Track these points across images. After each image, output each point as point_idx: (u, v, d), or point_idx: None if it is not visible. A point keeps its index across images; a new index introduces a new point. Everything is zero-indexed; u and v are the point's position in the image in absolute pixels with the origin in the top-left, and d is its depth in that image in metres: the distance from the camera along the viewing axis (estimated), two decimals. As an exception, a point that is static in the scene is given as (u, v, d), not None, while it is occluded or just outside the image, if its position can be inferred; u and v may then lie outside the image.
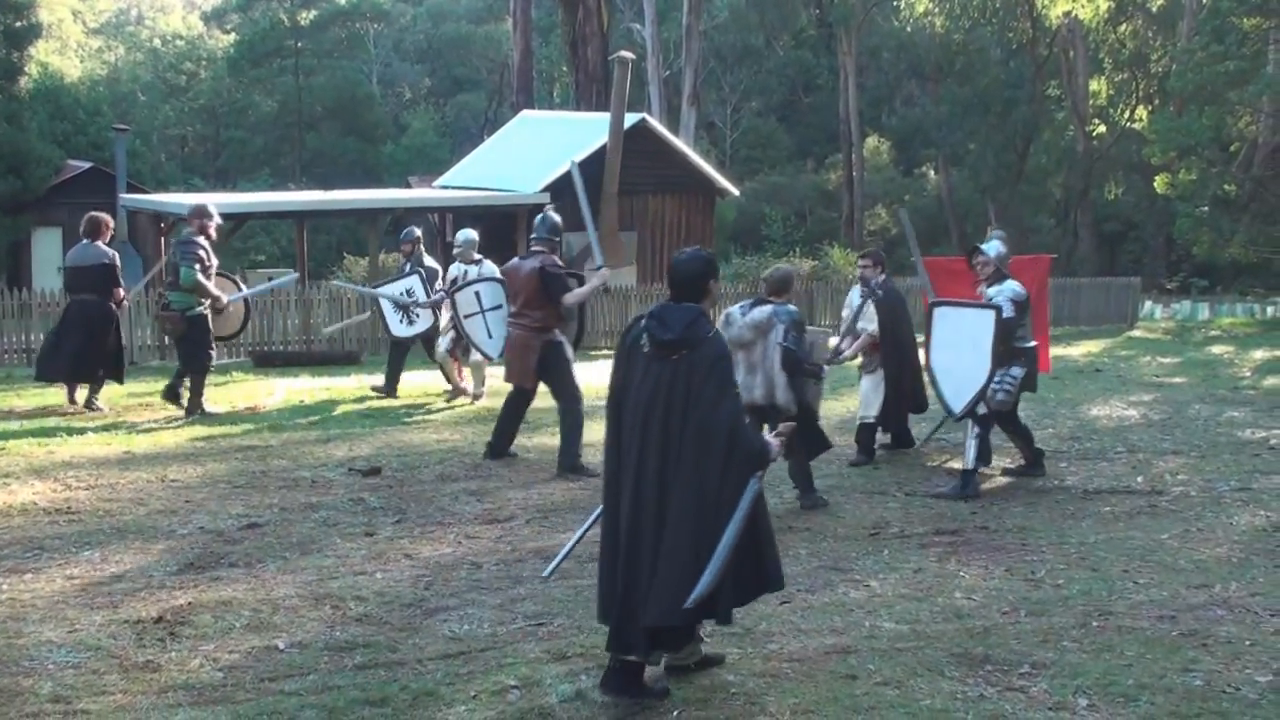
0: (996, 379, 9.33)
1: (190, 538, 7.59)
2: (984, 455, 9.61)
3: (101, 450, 10.31)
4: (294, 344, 18.93)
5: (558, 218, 10.48)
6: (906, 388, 10.68)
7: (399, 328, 14.08)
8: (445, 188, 27.59)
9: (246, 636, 5.77)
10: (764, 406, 8.36)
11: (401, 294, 13.88)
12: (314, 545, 7.44)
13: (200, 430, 11.29)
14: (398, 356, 14.14)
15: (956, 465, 10.45)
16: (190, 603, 6.21)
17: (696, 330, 5.15)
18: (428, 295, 13.73)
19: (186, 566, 6.94)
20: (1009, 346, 9.36)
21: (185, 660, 5.45)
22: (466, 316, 12.45)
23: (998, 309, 9.27)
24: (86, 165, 33.16)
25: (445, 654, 5.58)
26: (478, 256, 13.07)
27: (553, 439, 11.32)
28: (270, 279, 21.30)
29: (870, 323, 10.48)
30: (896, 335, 10.59)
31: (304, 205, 25.07)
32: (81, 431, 11.07)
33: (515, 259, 10.58)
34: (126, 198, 26.72)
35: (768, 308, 8.50)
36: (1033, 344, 9.93)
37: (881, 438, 11.02)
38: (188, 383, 12.20)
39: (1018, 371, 9.51)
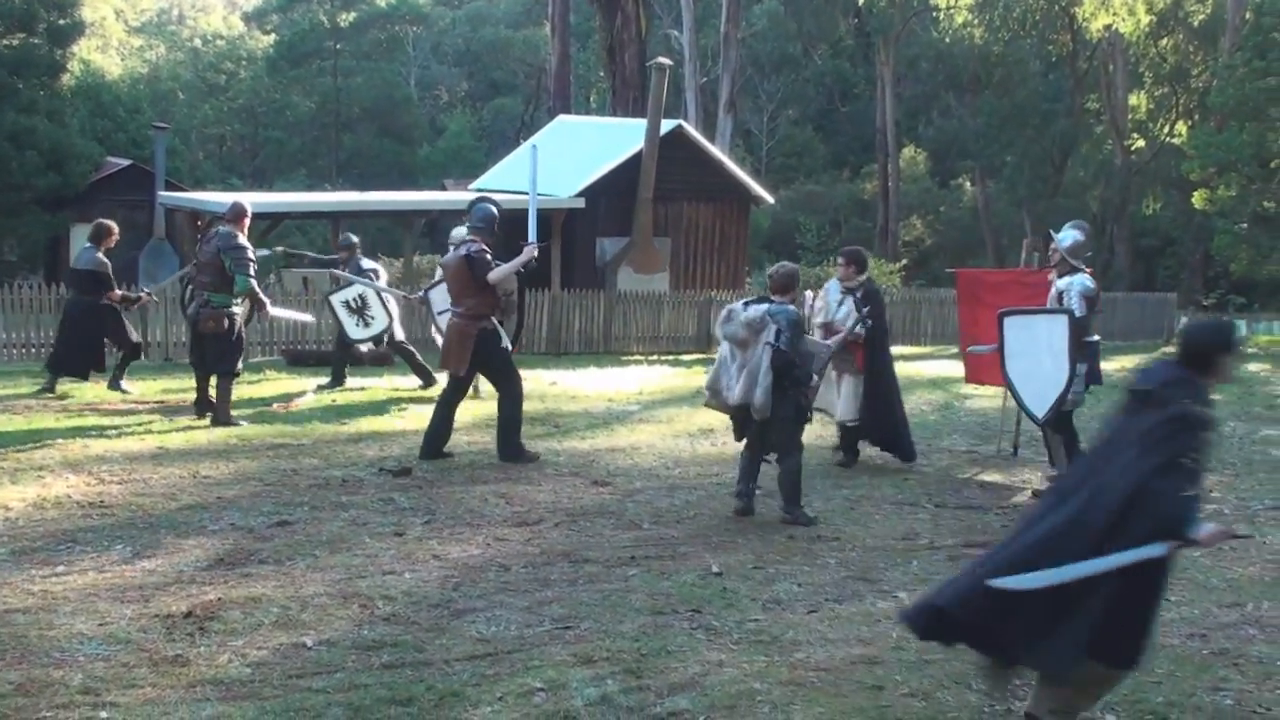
0: None
1: (221, 534, 7.63)
2: (1073, 449, 9.77)
3: (135, 445, 10.37)
4: (326, 343, 18.98)
5: (493, 208, 10.53)
6: (887, 391, 10.62)
7: (356, 331, 14.46)
8: (481, 190, 27.65)
9: (275, 633, 5.80)
10: (742, 406, 8.38)
11: (352, 300, 14.28)
12: (343, 544, 7.47)
13: (232, 428, 11.33)
14: (344, 357, 14.71)
15: (988, 478, 10.44)
16: (220, 598, 6.24)
17: (1168, 392, 4.82)
18: (379, 295, 14.24)
19: (217, 562, 6.98)
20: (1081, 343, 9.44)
21: (214, 655, 5.48)
22: (440, 312, 12.97)
23: (1070, 313, 9.42)
24: (126, 163, 33.37)
25: (472, 655, 5.59)
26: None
27: (582, 443, 11.35)
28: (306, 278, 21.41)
29: (853, 319, 10.33)
30: (874, 338, 10.48)
31: (340, 206, 25.17)
32: (116, 427, 11.16)
33: (451, 252, 10.67)
34: (165, 195, 26.92)
35: (763, 306, 8.43)
36: (1095, 338, 10.02)
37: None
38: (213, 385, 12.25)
39: (1081, 368, 9.54)
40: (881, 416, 10.56)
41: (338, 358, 14.82)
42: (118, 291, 13.55)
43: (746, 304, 8.60)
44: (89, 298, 13.23)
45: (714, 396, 8.76)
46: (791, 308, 8.54)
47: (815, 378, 8.88)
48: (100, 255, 13.21)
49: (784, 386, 8.32)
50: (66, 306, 13.75)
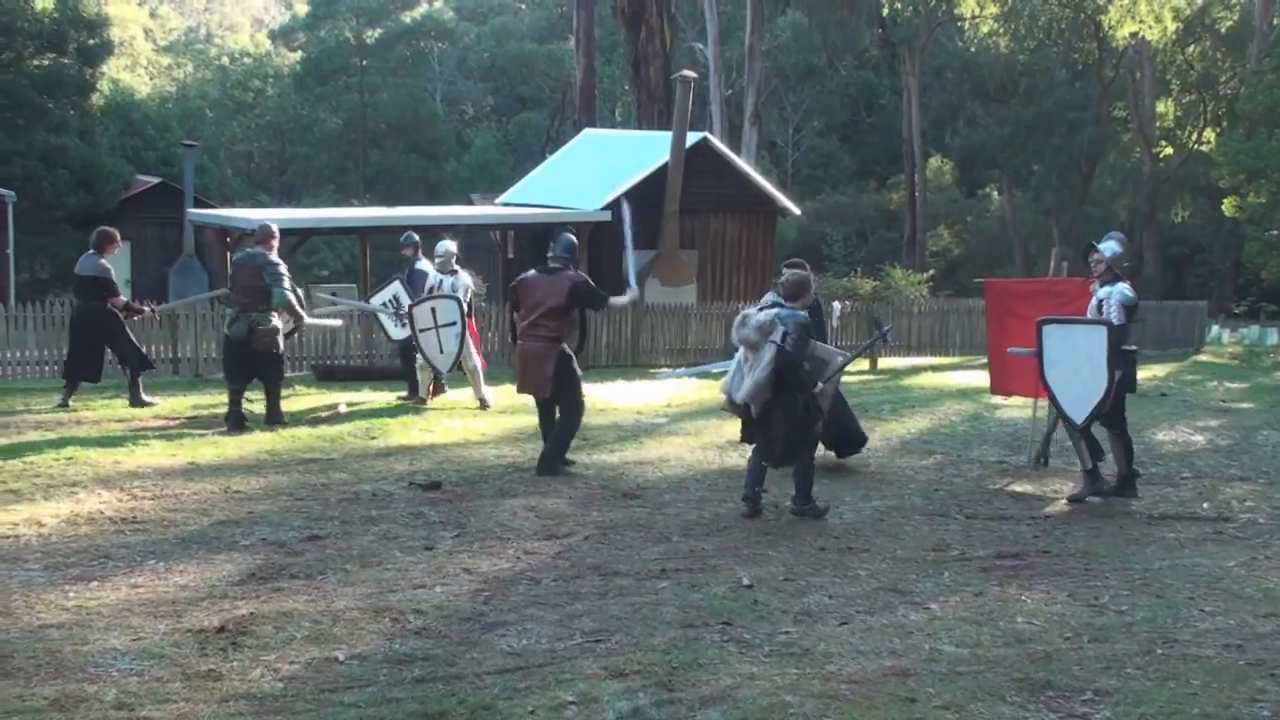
0: None
1: (252, 549, 7.66)
2: (1096, 450, 9.90)
3: (167, 461, 10.43)
4: (356, 358, 19.07)
5: (573, 238, 10.93)
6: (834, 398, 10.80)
7: (396, 331, 14.81)
8: (507, 205, 27.73)
9: (307, 647, 5.81)
10: (746, 405, 8.86)
11: (388, 302, 14.67)
12: (374, 558, 7.48)
13: (263, 443, 11.41)
14: (409, 361, 14.71)
15: (1019, 489, 10.38)
16: (252, 613, 6.26)
17: None
18: (411, 299, 14.40)
19: (248, 577, 7.00)
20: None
21: (246, 670, 5.49)
22: (422, 330, 13.50)
23: (1109, 323, 9.65)
24: (155, 180, 33.66)
25: (503, 669, 5.59)
26: (455, 268, 14.01)
27: (611, 455, 11.35)
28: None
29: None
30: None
31: (367, 221, 25.24)
32: (147, 443, 11.22)
33: (532, 272, 10.88)
34: (194, 212, 27.10)
35: (773, 311, 8.87)
36: (1133, 348, 10.12)
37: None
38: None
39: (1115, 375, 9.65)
40: (834, 420, 10.71)
41: (406, 368, 14.87)
42: (122, 298, 13.87)
43: (760, 309, 8.98)
44: (94, 304, 13.50)
45: (729, 401, 9.19)
46: (802, 313, 8.93)
47: (820, 384, 9.06)
48: (103, 262, 13.50)
49: (788, 386, 8.70)
50: (74, 314, 14.03)
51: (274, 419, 12.50)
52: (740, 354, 8.97)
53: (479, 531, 8.26)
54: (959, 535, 8.60)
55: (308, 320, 13.10)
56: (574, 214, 24.22)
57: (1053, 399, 9.94)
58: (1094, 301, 10.07)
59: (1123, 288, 9.91)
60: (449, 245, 14.36)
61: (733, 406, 9.08)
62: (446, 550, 7.74)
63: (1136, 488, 10.06)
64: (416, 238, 15.02)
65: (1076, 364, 9.64)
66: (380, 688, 5.32)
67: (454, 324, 13.37)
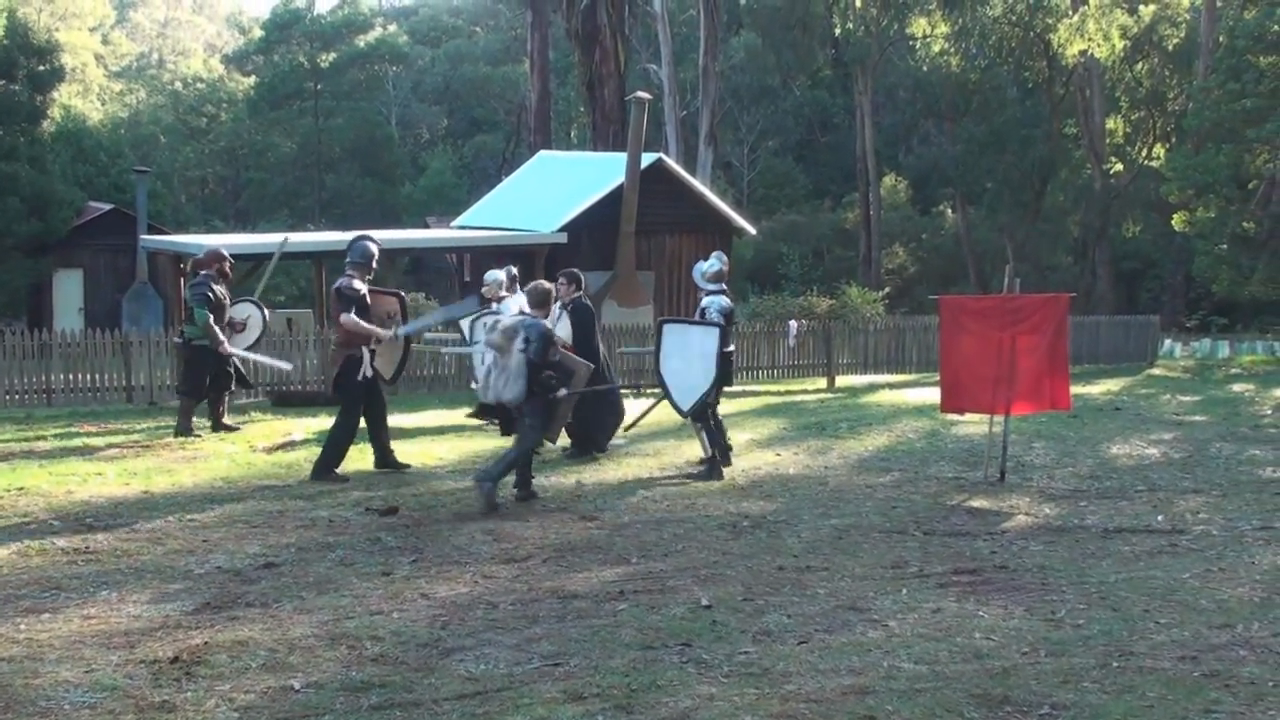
0: None
1: (207, 577, 7.59)
2: (716, 440, 11.49)
3: (120, 490, 10.33)
4: (313, 384, 18.94)
5: (371, 246, 11.25)
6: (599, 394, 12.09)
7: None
8: (463, 228, 27.69)
9: (262, 676, 5.76)
10: (504, 405, 10.19)
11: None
12: (330, 585, 7.43)
13: (219, 470, 11.32)
14: None
15: (976, 504, 10.43)
16: (207, 643, 6.20)
17: None
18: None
19: (203, 606, 6.93)
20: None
21: (201, 700, 5.44)
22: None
23: (721, 327, 11.21)
24: (108, 207, 33.39)
25: (461, 694, 5.56)
26: (503, 294, 14.01)
27: (568, 477, 11.33)
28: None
29: (563, 330, 11.63)
30: (586, 346, 11.82)
31: (323, 246, 25.09)
32: (100, 472, 11.12)
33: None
34: (147, 239, 26.90)
35: (518, 318, 10.01)
36: (730, 348, 11.94)
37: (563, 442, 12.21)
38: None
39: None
40: (583, 417, 11.95)
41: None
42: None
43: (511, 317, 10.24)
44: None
45: (481, 394, 10.78)
46: (543, 323, 9.99)
47: (563, 390, 10.07)
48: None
49: (532, 390, 9.77)
50: None
51: (217, 425, 13.70)
52: (490, 358, 10.01)
53: (436, 556, 8.22)
54: (917, 552, 8.62)
55: (228, 349, 13.61)
56: (530, 236, 24.22)
57: (664, 388, 11.35)
58: (697, 310, 11.57)
59: (720, 299, 11.53)
60: (498, 274, 14.14)
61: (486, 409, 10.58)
62: (404, 576, 7.70)
63: (722, 469, 11.37)
64: (503, 278, 14.28)
65: (689, 360, 11.10)
66: (337, 716, 5.28)
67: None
